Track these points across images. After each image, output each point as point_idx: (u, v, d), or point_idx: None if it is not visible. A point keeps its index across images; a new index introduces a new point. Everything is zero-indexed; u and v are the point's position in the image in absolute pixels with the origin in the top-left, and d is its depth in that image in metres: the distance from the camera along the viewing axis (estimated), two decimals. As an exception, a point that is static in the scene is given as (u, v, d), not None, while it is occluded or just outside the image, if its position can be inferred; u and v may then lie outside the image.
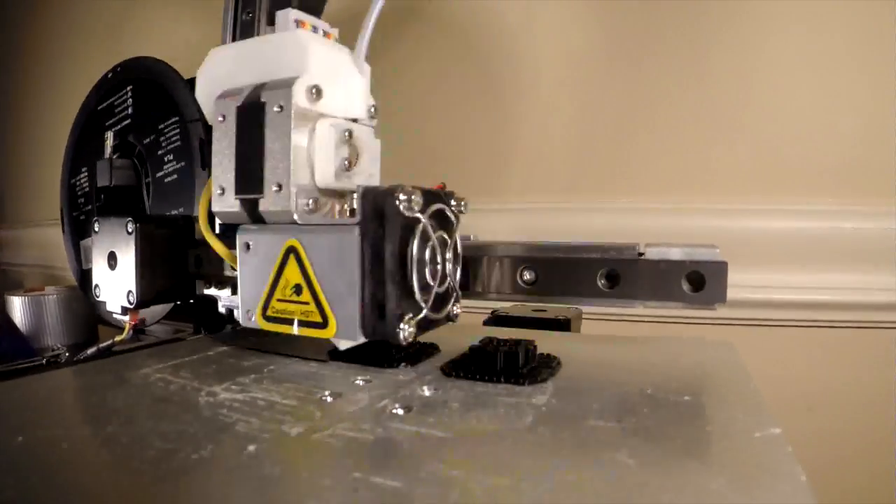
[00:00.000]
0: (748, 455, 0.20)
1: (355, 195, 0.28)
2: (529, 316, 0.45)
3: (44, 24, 1.21)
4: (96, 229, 0.42)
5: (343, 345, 0.31)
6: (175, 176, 0.57)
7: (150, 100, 0.61)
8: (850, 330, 0.58)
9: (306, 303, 0.29)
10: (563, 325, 0.44)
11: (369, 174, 0.33)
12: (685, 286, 0.29)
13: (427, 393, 0.27)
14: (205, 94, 0.34)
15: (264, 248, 0.31)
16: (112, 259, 0.41)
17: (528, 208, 0.68)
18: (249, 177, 0.30)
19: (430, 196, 0.29)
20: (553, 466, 0.19)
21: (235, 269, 0.36)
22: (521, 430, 0.23)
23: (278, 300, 0.30)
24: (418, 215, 0.27)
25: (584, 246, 0.32)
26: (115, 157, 0.59)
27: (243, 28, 0.52)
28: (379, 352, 0.32)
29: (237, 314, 0.33)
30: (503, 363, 0.29)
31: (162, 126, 0.59)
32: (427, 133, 0.75)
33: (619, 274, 0.31)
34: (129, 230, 0.40)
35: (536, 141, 0.70)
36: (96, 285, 0.42)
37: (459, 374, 0.29)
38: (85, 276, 0.67)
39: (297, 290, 0.29)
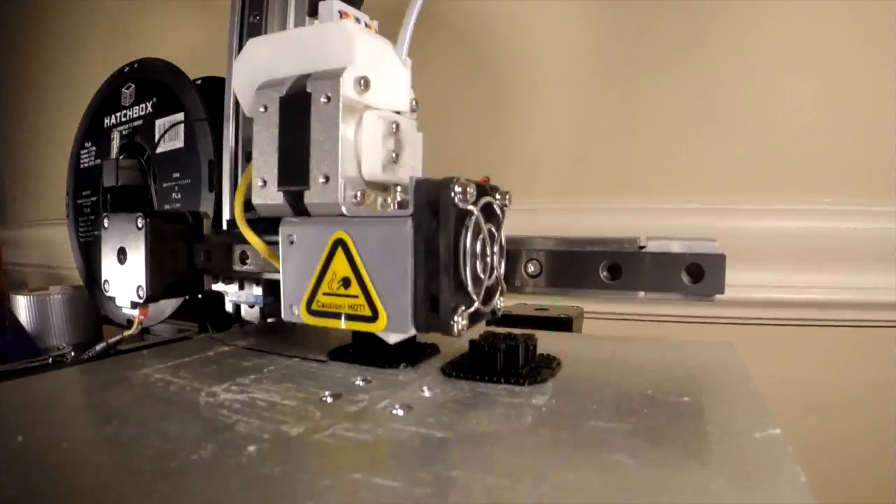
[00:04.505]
0: (748, 455, 0.20)
1: (402, 187, 0.28)
2: (531, 315, 0.45)
3: (46, 24, 1.22)
4: (105, 225, 0.42)
5: (392, 338, 0.30)
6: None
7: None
8: (850, 330, 0.58)
9: (355, 296, 0.29)
10: (564, 323, 0.44)
11: (412, 167, 0.34)
12: (685, 278, 0.30)
13: (427, 393, 0.27)
14: (242, 85, 0.33)
15: (309, 241, 0.30)
16: (122, 254, 0.41)
17: (528, 209, 0.68)
18: (294, 169, 0.30)
19: (480, 189, 0.29)
20: (553, 466, 0.19)
21: (272, 266, 0.35)
22: (520, 430, 0.23)
23: (324, 294, 0.30)
24: (471, 207, 0.27)
25: (587, 240, 0.33)
26: (121, 157, 0.59)
27: (250, 30, 0.52)
28: (379, 352, 0.32)
29: (282, 308, 0.32)
30: (503, 363, 0.29)
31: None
32: (427, 133, 0.75)
33: (620, 266, 0.31)
34: (140, 225, 0.40)
35: (537, 141, 0.70)
36: (106, 280, 0.43)
37: (459, 375, 0.29)
38: (90, 270, 0.67)
39: (346, 283, 0.29)
